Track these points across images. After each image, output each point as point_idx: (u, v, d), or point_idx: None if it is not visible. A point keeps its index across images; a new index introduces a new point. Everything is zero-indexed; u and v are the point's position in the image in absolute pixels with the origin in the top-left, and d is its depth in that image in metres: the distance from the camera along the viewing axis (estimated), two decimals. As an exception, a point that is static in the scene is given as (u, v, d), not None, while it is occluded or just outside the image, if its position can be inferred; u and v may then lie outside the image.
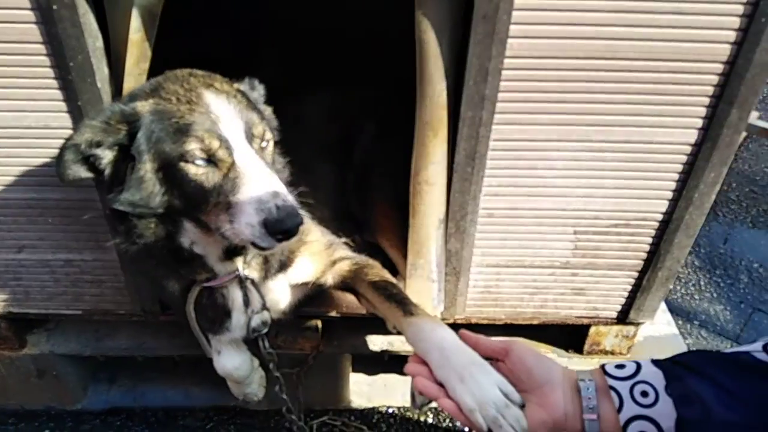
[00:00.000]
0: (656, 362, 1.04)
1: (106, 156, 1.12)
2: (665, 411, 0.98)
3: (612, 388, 1.02)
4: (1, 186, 1.40)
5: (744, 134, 3.45)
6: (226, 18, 2.08)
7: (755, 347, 1.02)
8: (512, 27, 1.13)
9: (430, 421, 1.96)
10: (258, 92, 1.28)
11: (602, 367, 1.07)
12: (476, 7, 1.09)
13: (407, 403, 1.98)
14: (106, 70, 1.23)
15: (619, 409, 1.00)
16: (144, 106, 1.10)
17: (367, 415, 1.98)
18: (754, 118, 3.40)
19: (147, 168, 1.10)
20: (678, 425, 0.97)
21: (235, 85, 1.20)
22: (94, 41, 1.18)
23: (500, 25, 1.11)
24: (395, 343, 1.80)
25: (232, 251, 1.29)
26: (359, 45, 1.96)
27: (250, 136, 1.10)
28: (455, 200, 1.39)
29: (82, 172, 1.13)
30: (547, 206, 1.43)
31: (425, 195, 1.38)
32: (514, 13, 1.11)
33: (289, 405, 1.60)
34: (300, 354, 1.77)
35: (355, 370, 2.01)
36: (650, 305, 1.61)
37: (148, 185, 1.11)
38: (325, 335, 1.79)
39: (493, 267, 1.56)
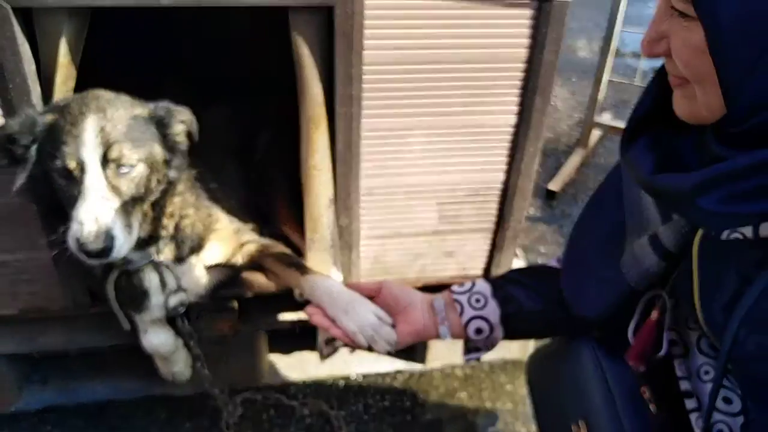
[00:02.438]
0: (486, 279, 1.42)
1: (18, 151, 1.39)
2: (492, 310, 1.35)
3: (456, 300, 1.38)
4: (-59, 195, 1.60)
5: (599, 133, 4.04)
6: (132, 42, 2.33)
7: (552, 260, 1.43)
8: (365, 42, 1.49)
9: (340, 386, 2.26)
10: (170, 115, 1.46)
11: (449, 288, 1.44)
12: (336, 27, 1.44)
13: (320, 375, 2.28)
14: (39, 90, 1.48)
15: (461, 314, 1.36)
16: (47, 119, 1.37)
17: (285, 388, 2.24)
18: (608, 119, 4.00)
19: (32, 169, 1.39)
20: (502, 319, 1.35)
21: (138, 111, 1.43)
22: (29, 66, 1.44)
23: (356, 40, 1.47)
24: (304, 318, 2.09)
25: (144, 241, 1.55)
26: (250, 63, 2.31)
27: (104, 161, 1.34)
28: (340, 182, 1.72)
29: (5, 160, 1.41)
30: (413, 182, 1.79)
31: (315, 179, 1.70)
32: (366, 31, 1.47)
33: (211, 381, 1.86)
34: (220, 334, 2.03)
35: (272, 351, 2.28)
36: (506, 260, 2.00)
37: (33, 182, 1.40)
38: (242, 315, 2.05)
39: (379, 238, 1.90)
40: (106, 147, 1.34)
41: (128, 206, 1.39)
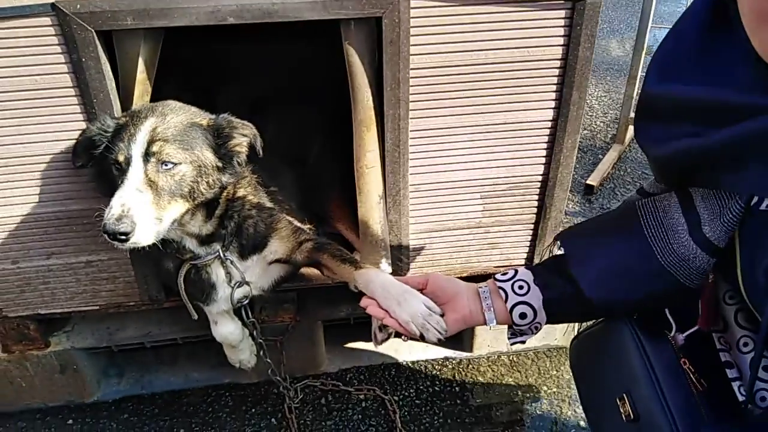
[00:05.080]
0: (527, 267, 1.51)
1: (96, 152, 1.56)
2: (535, 295, 1.43)
3: (500, 287, 1.46)
4: (34, 202, 1.78)
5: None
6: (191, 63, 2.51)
7: None
8: (411, 48, 1.62)
9: (393, 373, 2.39)
10: (231, 127, 1.59)
11: (493, 276, 1.53)
12: (384, 36, 1.57)
13: (374, 362, 2.41)
14: (119, 104, 1.66)
15: (506, 300, 1.44)
16: (119, 122, 1.54)
17: (341, 375, 2.38)
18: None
19: (101, 164, 1.57)
20: (544, 303, 1.43)
21: (197, 119, 1.57)
22: (111, 82, 1.61)
23: (403, 47, 1.60)
24: (358, 309, 2.22)
25: (208, 237, 1.71)
26: (304, 74, 2.47)
27: (146, 156, 1.48)
28: (389, 180, 1.85)
29: (86, 161, 1.61)
30: (457, 178, 1.90)
31: (366, 177, 1.84)
32: (411, 38, 1.60)
33: (274, 368, 2.01)
34: (281, 325, 2.18)
35: (327, 341, 2.42)
36: (547, 251, 2.09)
37: (103, 177, 1.59)
38: (301, 308, 2.20)
39: (426, 232, 2.02)
40: (150, 143, 1.49)
41: (164, 200, 1.50)
